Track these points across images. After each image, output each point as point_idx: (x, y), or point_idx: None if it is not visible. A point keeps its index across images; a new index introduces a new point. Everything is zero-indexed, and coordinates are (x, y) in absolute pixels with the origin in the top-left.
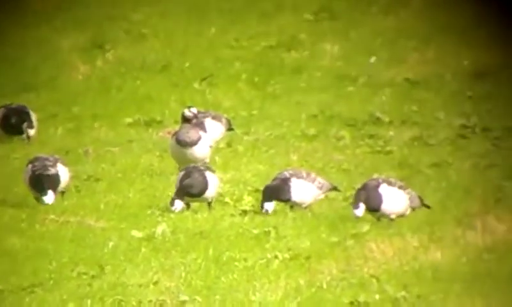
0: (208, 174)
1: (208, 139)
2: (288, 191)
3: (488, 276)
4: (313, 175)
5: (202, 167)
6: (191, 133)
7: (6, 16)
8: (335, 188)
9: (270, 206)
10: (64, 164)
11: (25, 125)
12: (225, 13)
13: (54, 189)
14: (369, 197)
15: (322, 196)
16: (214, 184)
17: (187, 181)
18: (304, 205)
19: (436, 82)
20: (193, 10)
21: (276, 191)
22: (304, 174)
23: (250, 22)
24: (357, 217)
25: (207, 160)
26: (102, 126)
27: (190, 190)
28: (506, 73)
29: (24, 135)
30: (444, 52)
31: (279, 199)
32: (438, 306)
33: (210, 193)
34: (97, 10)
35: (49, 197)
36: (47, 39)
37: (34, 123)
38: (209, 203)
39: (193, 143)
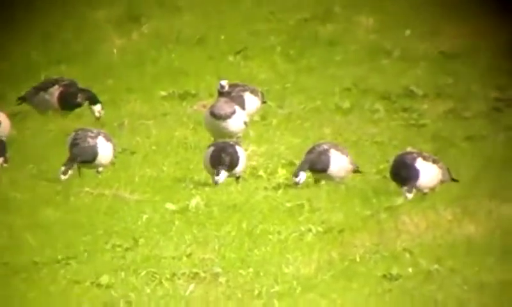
0: (238, 149)
1: (243, 112)
2: (328, 162)
3: None
4: (346, 150)
5: (232, 142)
6: (226, 107)
7: None
8: (357, 170)
9: (303, 176)
10: (108, 139)
11: (98, 106)
12: None
13: (86, 161)
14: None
15: (349, 174)
16: (244, 159)
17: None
18: (337, 179)
19: (470, 55)
20: None
21: (315, 162)
22: (340, 147)
23: None
24: (408, 199)
25: (240, 135)
26: (136, 99)
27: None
28: None
29: (97, 116)
30: (479, 24)
31: (316, 170)
32: (472, 280)
33: (240, 168)
34: None
35: (64, 176)
36: (80, 11)
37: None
38: (237, 178)
39: (227, 116)
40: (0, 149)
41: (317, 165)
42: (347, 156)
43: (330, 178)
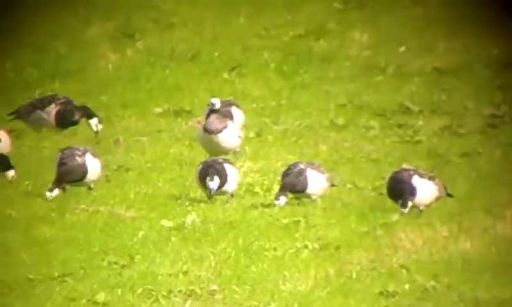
0: (227, 166)
1: (236, 127)
2: (306, 182)
3: None
4: (322, 168)
5: (221, 160)
6: (217, 122)
7: (34, 4)
8: (333, 185)
9: (283, 200)
10: (95, 155)
11: (95, 120)
12: (253, 2)
13: (75, 179)
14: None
15: (327, 191)
16: (234, 177)
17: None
18: (314, 196)
19: (465, 71)
20: None
21: (294, 183)
22: (316, 166)
23: (279, 11)
24: (403, 214)
25: (237, 150)
26: (131, 115)
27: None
28: None
29: (95, 130)
30: (473, 40)
31: (294, 191)
32: (468, 296)
33: (230, 186)
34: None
35: (51, 193)
36: (75, 28)
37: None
38: (231, 195)
39: (218, 131)
40: (7, 163)
41: (296, 187)
42: (323, 174)
43: (309, 196)
